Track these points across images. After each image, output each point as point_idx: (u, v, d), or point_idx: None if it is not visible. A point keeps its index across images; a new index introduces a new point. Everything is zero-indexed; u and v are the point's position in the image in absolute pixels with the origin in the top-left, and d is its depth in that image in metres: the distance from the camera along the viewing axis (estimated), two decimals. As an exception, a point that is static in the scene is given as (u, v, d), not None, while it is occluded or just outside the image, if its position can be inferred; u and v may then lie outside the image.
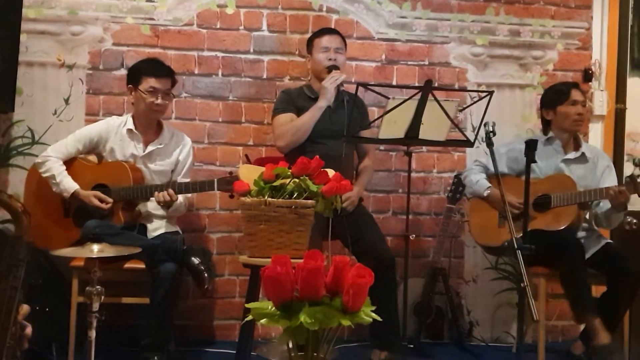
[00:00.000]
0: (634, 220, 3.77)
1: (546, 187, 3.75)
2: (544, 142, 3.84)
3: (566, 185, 3.73)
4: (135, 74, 3.60)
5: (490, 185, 3.80)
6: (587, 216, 3.84)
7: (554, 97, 3.88)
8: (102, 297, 2.55)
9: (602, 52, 4.52)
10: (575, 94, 3.84)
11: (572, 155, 3.86)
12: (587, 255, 3.71)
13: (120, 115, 3.79)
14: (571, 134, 3.89)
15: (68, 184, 3.52)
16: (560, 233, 3.64)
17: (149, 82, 3.54)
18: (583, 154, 3.86)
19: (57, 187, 3.54)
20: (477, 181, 3.84)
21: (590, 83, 4.46)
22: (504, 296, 4.35)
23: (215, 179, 3.36)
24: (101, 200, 3.48)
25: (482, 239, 3.88)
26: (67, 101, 4.04)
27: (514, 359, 3.55)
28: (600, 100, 4.44)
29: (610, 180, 3.84)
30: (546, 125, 3.93)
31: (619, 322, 3.61)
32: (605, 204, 3.72)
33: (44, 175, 3.56)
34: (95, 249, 2.63)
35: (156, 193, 3.40)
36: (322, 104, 3.65)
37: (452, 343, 4.18)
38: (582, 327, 3.76)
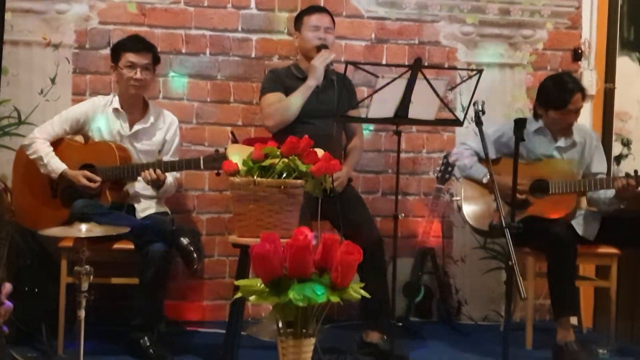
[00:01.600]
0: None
1: (543, 172, 3.75)
2: (533, 132, 3.80)
3: (564, 170, 3.72)
4: (116, 51, 3.59)
5: (487, 171, 3.75)
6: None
7: (551, 99, 3.70)
8: (91, 277, 2.54)
9: (591, 32, 4.51)
10: (575, 102, 3.67)
11: (562, 142, 3.83)
12: (593, 233, 3.75)
13: (107, 94, 3.76)
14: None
15: (55, 165, 3.50)
16: (557, 226, 3.63)
17: (127, 57, 3.52)
18: (574, 141, 3.83)
19: (44, 168, 3.51)
20: (472, 166, 3.81)
21: (579, 62, 4.46)
22: (492, 275, 4.38)
23: (201, 157, 3.35)
24: (89, 180, 3.46)
25: (476, 221, 3.84)
26: (53, 81, 4.00)
27: (502, 337, 3.57)
28: (590, 79, 4.43)
29: (599, 159, 3.85)
30: (536, 114, 3.85)
31: None
32: (608, 191, 3.70)
33: (32, 157, 3.54)
34: (84, 229, 2.61)
35: (143, 172, 3.39)
36: (312, 83, 3.63)
37: (441, 322, 4.21)
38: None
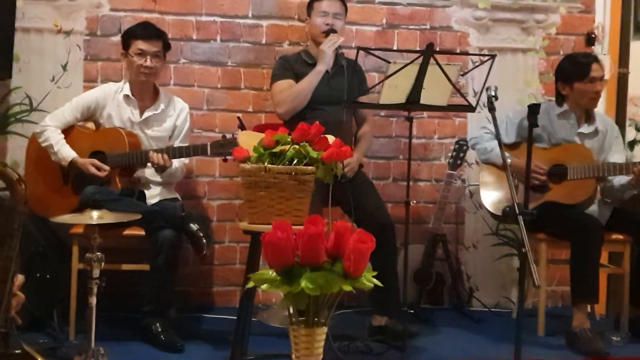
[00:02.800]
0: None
1: (562, 157, 3.72)
2: (558, 115, 3.79)
3: (583, 156, 3.70)
4: (126, 39, 3.58)
5: (509, 154, 3.73)
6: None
7: (572, 72, 3.72)
8: (102, 264, 2.55)
9: (605, 16, 4.45)
10: (595, 70, 3.69)
11: (585, 129, 3.80)
12: (603, 222, 3.72)
13: (118, 81, 3.75)
14: (586, 108, 3.82)
15: (66, 153, 3.51)
16: (579, 211, 3.62)
17: (137, 45, 3.52)
18: (596, 128, 3.81)
19: (55, 156, 3.52)
20: (492, 149, 3.76)
21: (593, 47, 4.41)
22: (504, 262, 4.36)
23: (208, 143, 3.33)
24: (98, 168, 3.46)
25: (494, 207, 3.80)
26: (64, 68, 3.99)
27: (514, 323, 3.55)
28: (603, 64, 4.37)
29: (617, 151, 3.82)
30: (560, 98, 3.81)
31: None
32: (622, 178, 3.68)
33: (43, 144, 3.56)
34: (95, 216, 2.62)
35: (151, 153, 3.38)
36: (321, 68, 3.61)
37: (452, 309, 4.20)
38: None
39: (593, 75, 3.69)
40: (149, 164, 3.45)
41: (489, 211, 3.86)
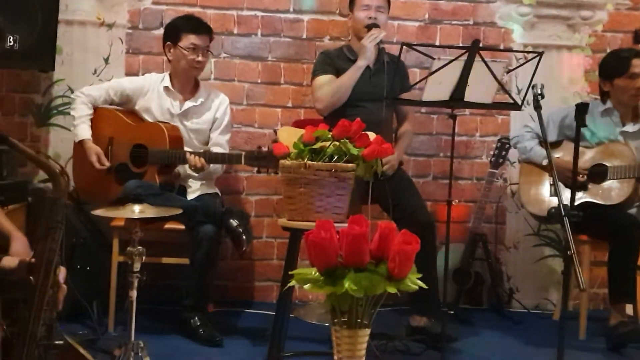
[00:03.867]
0: None
1: (603, 156, 3.66)
2: (601, 113, 3.73)
3: (625, 156, 3.62)
4: (175, 31, 3.57)
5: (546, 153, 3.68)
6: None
7: (612, 68, 3.69)
8: (143, 258, 2.56)
9: (653, 13, 4.34)
10: (636, 65, 3.63)
11: (630, 127, 3.72)
12: None
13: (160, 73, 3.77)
14: (630, 106, 3.74)
15: (81, 130, 3.55)
16: (617, 211, 3.56)
17: (190, 39, 3.51)
18: None
19: (74, 128, 3.58)
20: (532, 148, 3.73)
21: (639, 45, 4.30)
22: (545, 263, 4.28)
23: (242, 153, 3.31)
24: (99, 161, 3.50)
25: (533, 206, 3.78)
26: (106, 60, 4.03)
27: (554, 326, 3.50)
28: (650, 63, 4.27)
29: None
30: (604, 95, 3.77)
31: None
32: None
33: (71, 112, 3.63)
34: (137, 210, 2.63)
35: (189, 155, 3.38)
36: (362, 63, 3.57)
37: (491, 309, 4.13)
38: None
39: (634, 71, 3.63)
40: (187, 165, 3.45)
41: (529, 212, 3.80)
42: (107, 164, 3.51)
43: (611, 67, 3.71)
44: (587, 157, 3.67)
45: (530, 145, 3.75)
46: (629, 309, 3.85)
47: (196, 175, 3.56)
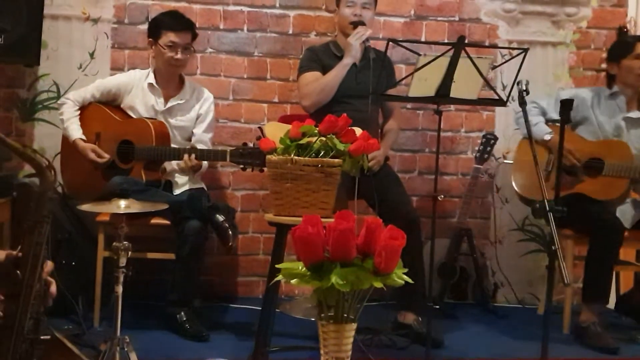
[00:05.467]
0: None
1: (601, 151, 3.69)
2: (607, 97, 3.78)
3: (623, 154, 3.66)
4: (155, 28, 3.57)
5: (551, 130, 3.71)
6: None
7: (619, 49, 3.78)
8: (129, 253, 2.55)
9: (637, 10, 4.39)
10: None
11: (634, 114, 3.77)
12: (632, 222, 3.69)
13: (145, 69, 3.75)
14: (635, 91, 3.79)
15: (72, 131, 3.56)
16: (603, 208, 3.59)
17: (169, 37, 3.50)
18: None
19: (64, 131, 3.59)
20: (537, 123, 3.72)
21: (624, 42, 4.33)
22: (529, 258, 4.32)
23: (228, 150, 3.30)
24: (98, 155, 3.50)
25: (523, 189, 3.78)
26: (92, 55, 4.01)
27: (539, 320, 3.53)
28: (635, 59, 4.31)
29: None
30: (610, 80, 3.83)
31: None
32: None
33: (59, 117, 3.64)
34: (122, 205, 2.63)
35: (186, 157, 3.36)
36: (348, 61, 3.58)
37: (476, 304, 4.17)
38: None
39: (639, 52, 3.70)
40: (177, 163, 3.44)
41: (516, 192, 3.81)
42: (107, 156, 3.51)
43: (618, 49, 3.79)
44: (587, 149, 3.70)
45: (535, 120, 3.73)
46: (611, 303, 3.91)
47: (191, 175, 3.55)
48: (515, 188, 3.82)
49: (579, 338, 3.53)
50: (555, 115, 3.71)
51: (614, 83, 3.80)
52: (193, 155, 3.37)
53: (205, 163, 3.51)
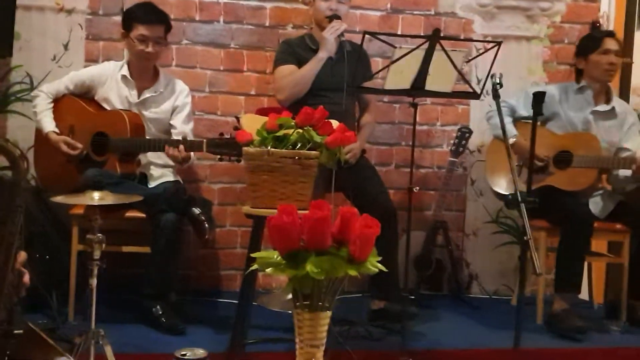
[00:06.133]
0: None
1: (570, 144, 3.75)
2: (575, 91, 3.84)
3: (591, 145, 3.72)
4: (127, 20, 3.53)
5: (516, 133, 3.75)
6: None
7: (587, 44, 3.84)
8: (103, 245, 2.53)
9: (610, 5, 4.45)
10: (609, 43, 3.78)
11: (601, 107, 3.84)
12: (606, 213, 3.76)
13: (119, 61, 3.72)
14: (603, 85, 3.85)
15: (45, 124, 3.52)
16: (575, 200, 3.65)
17: (139, 30, 3.47)
18: (613, 108, 3.84)
19: (38, 124, 3.55)
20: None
21: (597, 36, 4.38)
22: (503, 249, 4.36)
23: (204, 140, 3.26)
24: (72, 147, 3.47)
25: (499, 187, 3.83)
26: (66, 47, 3.97)
27: (513, 311, 3.57)
28: (607, 53, 4.37)
29: (632, 139, 3.83)
30: (579, 74, 3.89)
31: None
32: (626, 170, 3.73)
33: (32, 109, 3.60)
34: (96, 197, 2.61)
35: (169, 149, 3.32)
36: (323, 55, 3.58)
37: (451, 295, 4.20)
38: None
39: (606, 47, 3.76)
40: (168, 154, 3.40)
41: (493, 190, 3.86)
42: (80, 146, 3.47)
43: (586, 44, 3.85)
44: (556, 143, 3.76)
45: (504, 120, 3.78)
46: (583, 293, 3.97)
47: (179, 166, 3.50)
48: (492, 186, 3.87)
49: (551, 326, 3.57)
50: (525, 112, 3.76)
51: (582, 77, 3.86)
52: (182, 147, 3.32)
53: (193, 154, 3.43)
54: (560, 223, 3.62)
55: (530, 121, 3.65)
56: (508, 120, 3.78)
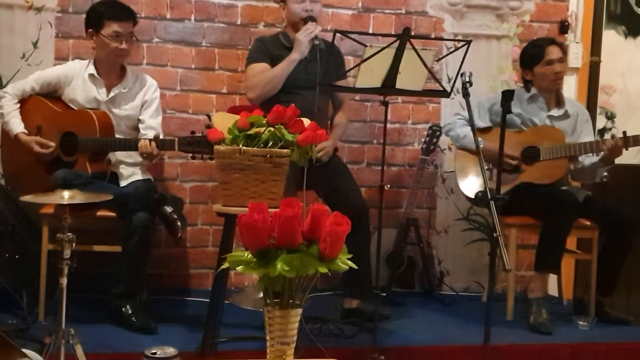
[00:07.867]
0: (605, 173, 3.83)
1: (534, 139, 3.80)
2: (527, 100, 3.89)
3: (555, 137, 3.77)
4: (96, 18, 3.49)
5: (481, 139, 3.78)
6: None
7: (530, 57, 3.86)
8: (74, 244, 2.51)
9: (578, 4, 4.51)
10: (550, 52, 3.81)
11: (555, 112, 3.89)
12: None
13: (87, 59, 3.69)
14: (553, 92, 3.90)
15: (13, 125, 3.48)
16: (553, 189, 3.70)
17: (112, 27, 3.44)
18: (566, 111, 3.90)
19: (5, 125, 3.50)
20: (465, 135, 3.80)
21: (566, 35, 4.46)
22: (474, 246, 4.41)
23: (176, 139, 3.25)
24: (44, 146, 3.43)
25: (472, 192, 3.85)
26: (35, 45, 3.92)
27: (484, 307, 3.60)
28: (576, 52, 4.44)
29: (588, 135, 3.90)
30: (527, 84, 3.93)
31: (620, 272, 3.75)
32: (591, 157, 3.79)
33: None
34: (66, 196, 2.58)
35: (141, 143, 3.30)
36: (295, 56, 3.57)
37: (423, 292, 4.23)
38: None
39: (549, 58, 3.80)
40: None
41: (466, 197, 3.90)
42: (52, 144, 3.44)
43: (529, 56, 3.88)
44: (519, 140, 3.81)
45: (463, 132, 3.84)
46: (552, 289, 4.03)
47: (148, 162, 3.49)
48: (466, 194, 3.89)
49: (524, 306, 3.65)
50: (480, 123, 3.80)
51: (531, 86, 3.91)
52: (154, 144, 3.31)
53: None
54: (543, 211, 3.63)
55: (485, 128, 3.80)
56: (468, 130, 3.81)
